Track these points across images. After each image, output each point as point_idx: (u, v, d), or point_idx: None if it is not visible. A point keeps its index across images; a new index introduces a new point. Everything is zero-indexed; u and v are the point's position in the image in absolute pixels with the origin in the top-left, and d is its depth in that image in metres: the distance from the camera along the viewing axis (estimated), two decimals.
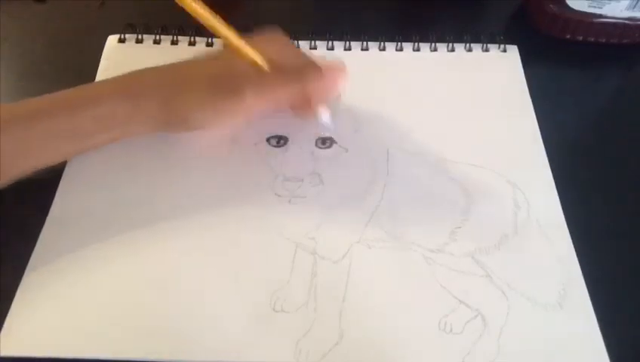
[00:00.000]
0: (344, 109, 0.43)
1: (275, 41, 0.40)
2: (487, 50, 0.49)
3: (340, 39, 0.49)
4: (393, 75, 0.47)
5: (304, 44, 0.48)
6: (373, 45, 0.49)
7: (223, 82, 0.37)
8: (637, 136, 0.45)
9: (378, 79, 0.46)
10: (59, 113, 0.36)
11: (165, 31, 0.48)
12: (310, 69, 0.39)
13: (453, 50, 0.49)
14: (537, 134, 0.43)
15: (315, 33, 0.49)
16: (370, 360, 0.33)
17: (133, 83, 0.38)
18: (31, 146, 0.36)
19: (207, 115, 0.38)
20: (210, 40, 0.48)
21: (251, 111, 0.39)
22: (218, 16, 0.35)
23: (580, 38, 0.50)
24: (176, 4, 0.33)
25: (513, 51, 0.49)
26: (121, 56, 0.47)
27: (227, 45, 0.37)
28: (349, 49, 0.48)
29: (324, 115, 0.40)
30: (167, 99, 0.37)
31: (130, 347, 0.33)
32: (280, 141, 0.41)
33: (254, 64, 0.37)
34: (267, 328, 0.34)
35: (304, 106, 0.40)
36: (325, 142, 0.41)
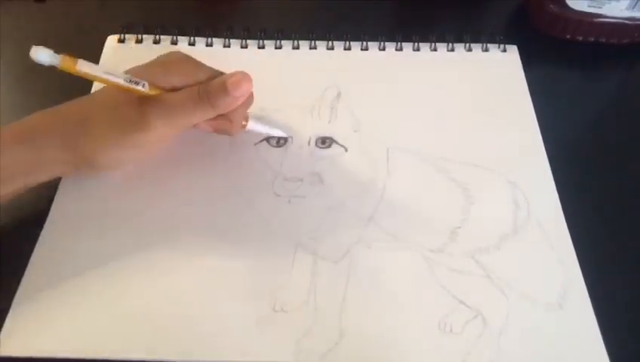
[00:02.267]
0: (344, 109, 0.43)
1: (174, 61, 0.36)
2: (487, 50, 0.49)
3: (340, 39, 0.49)
4: (393, 75, 0.47)
5: (304, 44, 0.48)
6: (373, 45, 0.49)
7: (124, 113, 0.34)
8: (637, 136, 0.45)
9: (378, 79, 0.46)
10: None
11: (165, 31, 0.48)
12: (214, 84, 0.35)
13: (453, 50, 0.49)
14: (537, 134, 0.43)
15: (315, 33, 0.49)
16: (370, 360, 0.33)
17: (33, 127, 0.35)
18: None
19: (112, 155, 0.35)
20: (209, 40, 0.48)
21: (165, 139, 0.37)
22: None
23: (580, 38, 0.50)
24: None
25: (513, 51, 0.49)
26: (121, 56, 0.47)
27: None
28: (349, 49, 0.48)
29: (252, 125, 0.39)
30: (69, 141, 0.34)
31: (130, 347, 0.33)
32: (280, 141, 0.41)
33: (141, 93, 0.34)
34: (267, 328, 0.34)
35: (225, 122, 0.37)
36: (325, 141, 0.41)
